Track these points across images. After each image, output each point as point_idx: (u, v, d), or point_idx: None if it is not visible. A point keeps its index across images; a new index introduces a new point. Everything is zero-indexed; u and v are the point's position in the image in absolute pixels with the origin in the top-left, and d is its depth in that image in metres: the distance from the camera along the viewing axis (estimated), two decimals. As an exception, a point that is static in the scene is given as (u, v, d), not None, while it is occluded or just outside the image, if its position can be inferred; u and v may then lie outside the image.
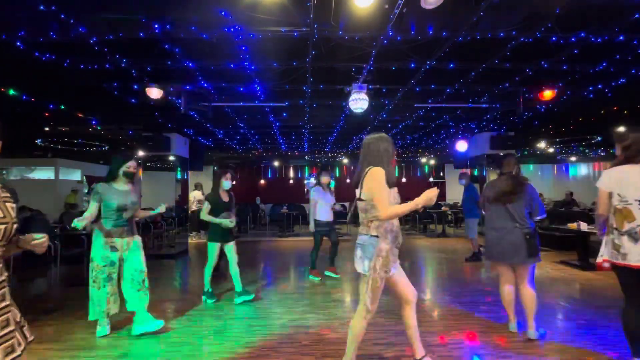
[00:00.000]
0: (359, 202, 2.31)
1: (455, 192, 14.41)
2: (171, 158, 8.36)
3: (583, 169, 15.43)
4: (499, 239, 2.98)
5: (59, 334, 3.24)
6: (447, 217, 10.94)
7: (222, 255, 4.16)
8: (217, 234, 4.04)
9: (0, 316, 1.27)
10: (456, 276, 5.35)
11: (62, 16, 3.29)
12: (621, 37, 3.77)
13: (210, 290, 4.14)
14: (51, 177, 11.61)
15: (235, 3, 3.21)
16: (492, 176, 8.98)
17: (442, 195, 15.82)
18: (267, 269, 5.93)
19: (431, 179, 16.83)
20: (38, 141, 8.73)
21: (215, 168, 14.39)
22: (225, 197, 4.15)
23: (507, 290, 3.08)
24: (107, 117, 7.10)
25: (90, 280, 3.20)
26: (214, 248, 4.06)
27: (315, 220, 5.23)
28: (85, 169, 13.17)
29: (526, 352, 2.74)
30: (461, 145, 9.07)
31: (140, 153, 8.27)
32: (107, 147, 10.06)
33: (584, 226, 5.34)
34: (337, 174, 16.69)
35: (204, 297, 4.11)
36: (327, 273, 5.24)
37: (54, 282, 5.10)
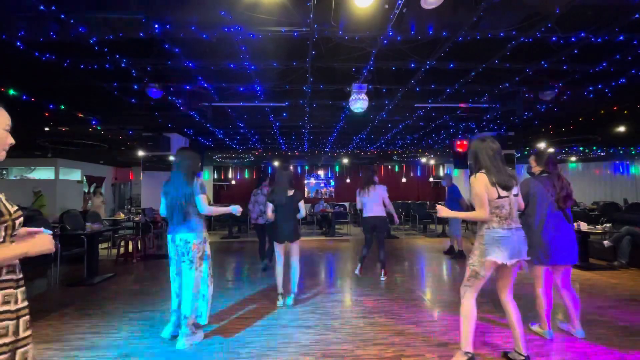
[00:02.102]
0: (514, 198, 2.51)
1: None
2: (171, 158, 8.35)
3: (583, 169, 15.43)
4: (557, 240, 2.92)
5: (59, 334, 3.24)
6: (447, 217, 10.94)
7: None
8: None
9: (23, 317, 1.22)
10: (456, 276, 5.35)
11: (62, 16, 3.29)
12: (621, 37, 3.77)
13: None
14: (51, 177, 11.62)
15: (235, 3, 3.21)
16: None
17: (442, 196, 15.83)
18: (266, 268, 5.92)
19: (431, 179, 16.85)
20: (38, 141, 8.73)
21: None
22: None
23: (546, 295, 3.00)
24: (107, 117, 7.09)
25: (207, 275, 3.12)
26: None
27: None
28: (85, 169, 13.18)
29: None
30: (461, 145, 9.06)
31: (140, 153, 8.27)
32: (107, 147, 10.06)
33: (584, 226, 5.34)
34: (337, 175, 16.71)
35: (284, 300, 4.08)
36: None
37: (54, 282, 5.10)
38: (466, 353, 2.47)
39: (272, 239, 4.06)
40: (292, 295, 4.07)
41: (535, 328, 3.13)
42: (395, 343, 2.94)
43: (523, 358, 2.48)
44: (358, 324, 3.41)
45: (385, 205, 5.16)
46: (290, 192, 4.03)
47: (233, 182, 16.44)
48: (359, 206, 5.31)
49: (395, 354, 2.76)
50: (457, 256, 6.66)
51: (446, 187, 7.05)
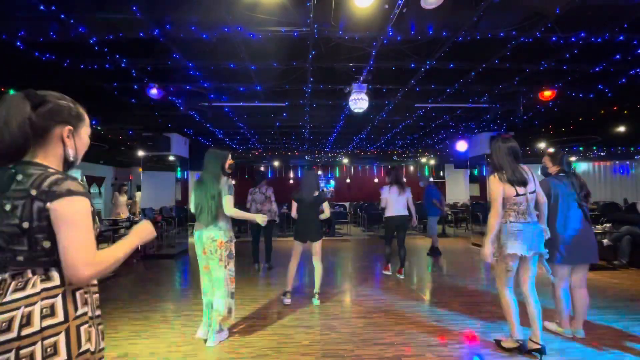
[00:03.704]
0: (530, 195, 2.63)
1: (455, 193, 14.43)
2: (171, 158, 8.36)
3: (583, 169, 15.43)
4: (579, 239, 2.93)
5: (59, 334, 3.24)
6: (447, 217, 10.96)
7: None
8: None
9: (99, 325, 1.17)
10: (456, 276, 5.35)
11: (62, 16, 3.29)
12: (621, 37, 3.77)
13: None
14: (51, 177, 11.61)
15: (235, 3, 3.21)
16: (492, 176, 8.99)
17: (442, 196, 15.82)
18: (266, 268, 5.92)
19: (431, 179, 16.83)
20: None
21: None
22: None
23: (567, 294, 3.01)
24: (107, 117, 7.10)
25: (234, 274, 3.12)
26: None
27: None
28: (85, 169, 13.18)
29: (527, 352, 2.74)
30: (461, 145, 9.06)
31: (140, 153, 8.28)
32: (107, 147, 10.06)
33: None
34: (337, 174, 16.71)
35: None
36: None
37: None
38: (517, 340, 2.67)
39: (295, 238, 4.09)
40: (317, 296, 4.07)
41: (553, 327, 3.13)
42: (395, 343, 2.94)
43: (539, 347, 2.59)
44: (358, 324, 3.41)
45: (408, 207, 5.25)
46: (316, 193, 4.06)
47: (233, 182, 16.44)
48: (383, 204, 5.33)
49: (395, 354, 2.76)
50: (435, 253, 6.90)
51: (424, 188, 7.34)
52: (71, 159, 1.18)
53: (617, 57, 4.30)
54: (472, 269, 5.84)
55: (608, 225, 5.72)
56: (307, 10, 3.24)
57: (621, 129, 8.23)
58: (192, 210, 3.19)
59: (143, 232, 1.28)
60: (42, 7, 3.13)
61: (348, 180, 16.47)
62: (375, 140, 10.58)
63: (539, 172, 3.34)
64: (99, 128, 7.71)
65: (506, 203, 2.62)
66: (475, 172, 9.48)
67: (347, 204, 14.58)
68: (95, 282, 1.20)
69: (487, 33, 3.72)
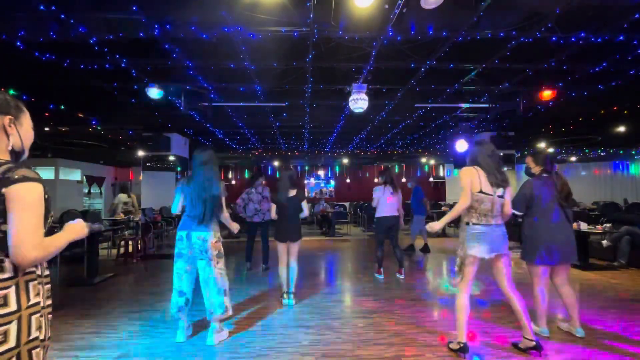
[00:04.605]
0: (498, 199, 2.65)
1: (455, 192, 14.43)
2: (171, 158, 8.36)
3: (583, 169, 15.43)
4: (559, 240, 2.93)
5: (59, 334, 3.24)
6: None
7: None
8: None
9: (49, 314, 1.27)
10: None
11: (62, 16, 3.29)
12: (621, 37, 3.77)
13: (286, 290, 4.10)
14: (51, 177, 11.62)
15: (235, 3, 3.21)
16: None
17: (442, 196, 15.83)
18: (263, 269, 5.91)
19: (431, 179, 16.85)
20: (38, 141, 8.73)
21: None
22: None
23: (546, 293, 3.03)
24: (107, 117, 7.10)
25: (224, 272, 3.12)
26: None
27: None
28: (85, 169, 13.18)
29: (527, 352, 2.74)
30: (461, 145, 9.06)
31: (140, 153, 8.28)
32: (107, 147, 10.06)
33: (584, 226, 5.34)
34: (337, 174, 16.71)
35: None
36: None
37: (54, 282, 5.10)
38: (459, 343, 2.68)
39: (275, 239, 4.07)
40: (291, 295, 4.08)
41: (531, 326, 3.14)
42: (395, 343, 2.94)
43: (534, 343, 2.61)
44: (358, 324, 3.41)
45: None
46: (293, 192, 4.04)
47: (233, 182, 16.45)
48: (374, 204, 5.27)
49: (395, 354, 2.76)
50: (409, 250, 7.16)
51: (412, 188, 7.52)
52: (17, 148, 1.24)
53: (617, 57, 4.30)
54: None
55: (608, 225, 5.71)
56: (307, 10, 3.24)
57: (621, 129, 8.23)
58: (175, 209, 3.07)
59: (77, 228, 1.38)
60: (42, 7, 3.13)
61: (348, 180, 16.47)
62: (375, 140, 10.58)
63: (524, 172, 3.35)
64: (99, 128, 7.71)
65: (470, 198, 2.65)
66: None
67: (347, 204, 14.58)
68: (47, 272, 1.29)
69: (487, 33, 3.72)
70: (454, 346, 2.73)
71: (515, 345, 2.79)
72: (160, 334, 3.21)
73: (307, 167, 16.62)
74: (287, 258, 4.11)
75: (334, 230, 10.55)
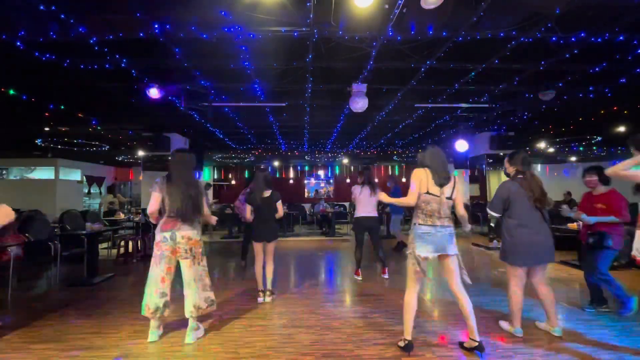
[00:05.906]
0: (446, 200, 2.73)
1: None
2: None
3: (582, 169, 15.40)
4: (535, 241, 2.94)
5: (59, 334, 3.24)
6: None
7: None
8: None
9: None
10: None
11: (62, 16, 3.29)
12: (621, 37, 3.77)
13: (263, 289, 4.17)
14: (51, 177, 11.62)
15: (235, 3, 3.21)
16: (492, 176, 8.98)
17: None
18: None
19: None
20: (38, 141, 8.73)
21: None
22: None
23: (520, 294, 3.05)
24: (107, 117, 7.10)
25: (204, 271, 3.21)
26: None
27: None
28: (85, 169, 13.18)
29: (526, 352, 2.75)
30: (461, 145, 9.06)
31: (140, 153, 8.27)
32: (107, 147, 10.06)
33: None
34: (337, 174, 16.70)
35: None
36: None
37: (54, 282, 5.10)
38: (404, 340, 2.78)
39: (252, 238, 4.14)
40: (268, 293, 4.15)
41: (506, 326, 3.19)
42: (395, 343, 2.94)
43: (477, 344, 2.70)
44: (358, 324, 3.41)
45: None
46: (267, 193, 4.07)
47: (233, 182, 16.44)
48: (355, 203, 5.23)
49: (395, 354, 2.76)
50: (399, 248, 7.32)
51: (391, 187, 7.74)
52: None
53: (617, 57, 4.30)
54: (472, 269, 5.84)
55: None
56: (307, 10, 3.24)
57: (621, 129, 8.23)
58: (152, 210, 3.02)
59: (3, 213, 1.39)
60: (42, 7, 3.13)
61: (348, 180, 16.46)
62: (375, 140, 10.58)
63: (503, 173, 3.37)
64: (99, 128, 7.71)
65: (417, 198, 2.76)
66: (475, 172, 9.49)
67: (347, 204, 14.57)
68: None
69: (487, 33, 3.72)
70: (400, 343, 2.81)
71: (461, 345, 2.85)
72: (160, 334, 3.21)
73: (307, 167, 16.61)
74: (263, 257, 4.17)
75: (334, 230, 10.55)
